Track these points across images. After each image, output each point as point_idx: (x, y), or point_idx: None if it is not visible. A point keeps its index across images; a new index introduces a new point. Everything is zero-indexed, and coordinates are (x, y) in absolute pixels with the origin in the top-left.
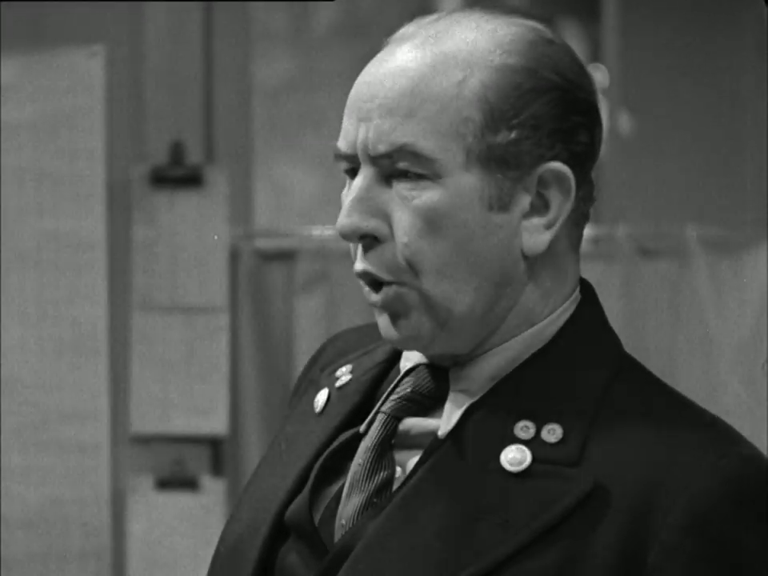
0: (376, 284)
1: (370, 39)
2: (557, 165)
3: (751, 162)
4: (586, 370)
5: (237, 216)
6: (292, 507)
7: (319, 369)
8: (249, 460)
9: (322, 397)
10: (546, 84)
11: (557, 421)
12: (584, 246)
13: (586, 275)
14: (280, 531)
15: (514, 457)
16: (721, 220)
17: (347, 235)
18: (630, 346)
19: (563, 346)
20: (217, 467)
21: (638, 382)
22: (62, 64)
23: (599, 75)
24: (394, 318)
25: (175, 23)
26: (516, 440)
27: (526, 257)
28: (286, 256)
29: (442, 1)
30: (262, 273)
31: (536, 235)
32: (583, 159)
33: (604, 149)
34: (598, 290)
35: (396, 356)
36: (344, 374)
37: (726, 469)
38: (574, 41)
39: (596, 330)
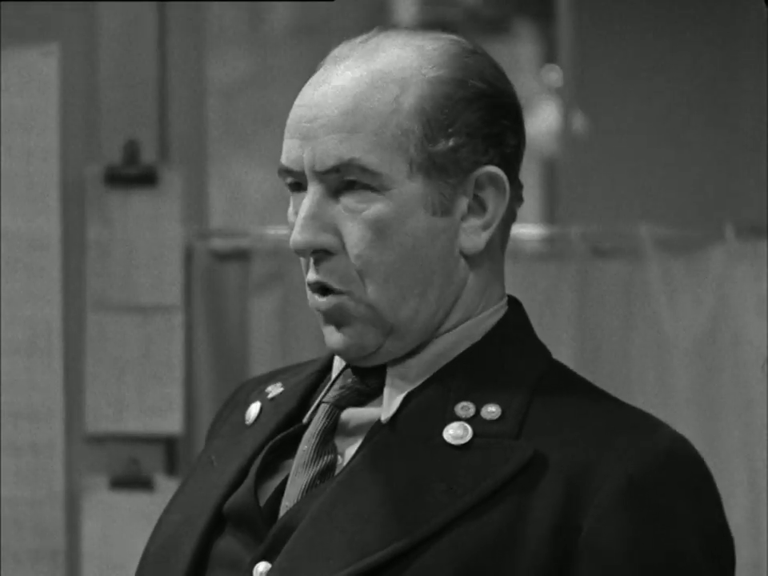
0: (324, 290)
1: (325, 38)
2: (492, 168)
3: (705, 162)
4: (521, 363)
5: (191, 215)
6: (231, 499)
7: (232, 407)
8: None
9: (254, 409)
10: (475, 92)
11: (495, 402)
12: (538, 245)
13: (540, 275)
14: (216, 525)
15: (455, 432)
16: (674, 220)
17: (301, 251)
18: (583, 345)
19: (498, 341)
20: (171, 467)
21: (567, 376)
22: (16, 63)
23: (554, 75)
24: (339, 330)
25: (129, 22)
26: (457, 418)
27: (465, 256)
28: (240, 255)
29: (397, 2)
30: (216, 272)
31: (474, 236)
32: (513, 161)
33: (558, 148)
34: (551, 290)
35: (328, 366)
36: (275, 389)
37: (658, 443)
38: (529, 41)
39: (527, 333)
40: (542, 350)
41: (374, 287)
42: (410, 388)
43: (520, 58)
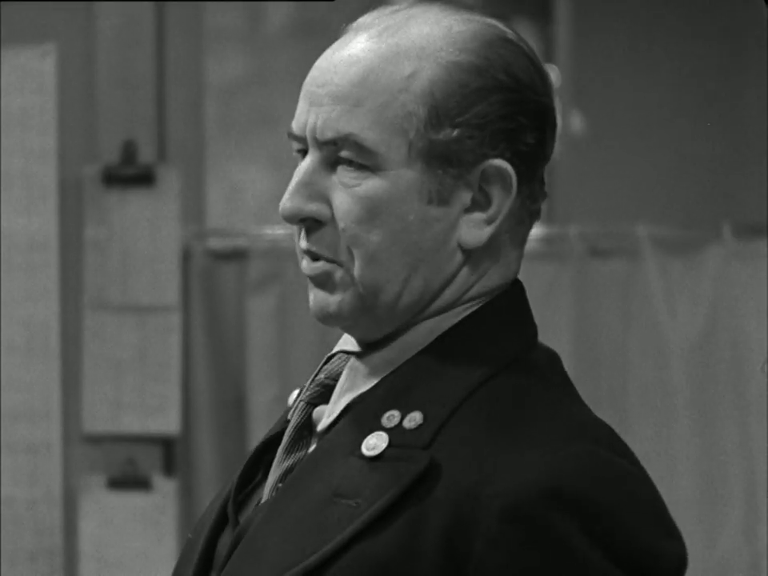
0: (316, 258)
1: (323, 39)
2: (499, 162)
3: (703, 162)
4: (466, 364)
5: (189, 215)
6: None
7: None
8: (200, 459)
9: (293, 396)
10: (495, 84)
11: (420, 409)
12: (536, 245)
13: (537, 275)
14: (223, 522)
15: (373, 443)
16: (672, 219)
17: (288, 217)
18: (581, 345)
19: (452, 339)
20: (169, 467)
21: (518, 380)
22: (14, 63)
23: (552, 75)
24: (322, 293)
25: (127, 22)
26: (380, 428)
27: (464, 251)
28: (238, 255)
29: (395, 2)
30: (214, 272)
31: (475, 230)
32: (529, 159)
33: (556, 148)
34: (549, 290)
35: None
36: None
37: (551, 464)
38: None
39: (496, 326)
40: (509, 344)
41: (360, 263)
42: (358, 391)
43: None
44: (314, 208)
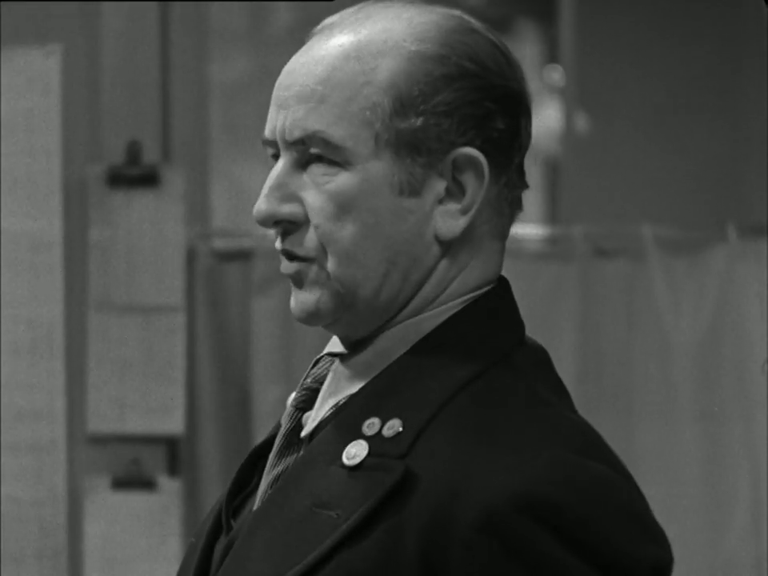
0: (292, 257)
1: None
2: (469, 150)
3: (707, 162)
4: (447, 368)
5: (193, 216)
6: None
7: None
8: (205, 460)
9: (290, 398)
10: (459, 71)
11: (399, 416)
12: (540, 245)
13: (542, 275)
14: (221, 526)
15: (353, 452)
16: (677, 220)
17: (262, 221)
18: (585, 345)
19: (432, 345)
20: (173, 467)
21: (498, 384)
22: (18, 63)
23: (556, 75)
24: (301, 293)
25: (132, 22)
26: (361, 436)
27: (440, 242)
28: (242, 256)
29: None
30: (218, 273)
31: (450, 220)
32: (502, 146)
33: (560, 148)
34: (554, 290)
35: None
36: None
37: (523, 471)
38: (531, 41)
39: (479, 326)
40: (490, 346)
41: (335, 260)
42: (341, 395)
43: (522, 58)
44: (287, 210)
